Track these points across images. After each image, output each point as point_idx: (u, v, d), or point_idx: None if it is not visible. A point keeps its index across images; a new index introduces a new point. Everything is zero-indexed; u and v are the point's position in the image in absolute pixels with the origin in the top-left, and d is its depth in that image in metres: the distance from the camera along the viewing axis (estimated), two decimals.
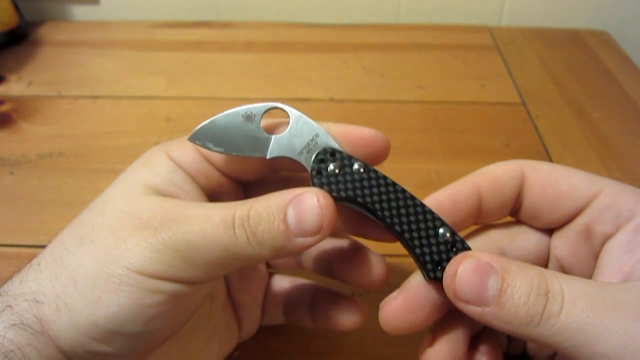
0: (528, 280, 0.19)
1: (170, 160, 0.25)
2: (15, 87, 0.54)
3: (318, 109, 0.52)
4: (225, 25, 0.66)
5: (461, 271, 0.20)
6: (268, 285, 0.31)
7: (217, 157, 0.25)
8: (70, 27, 0.65)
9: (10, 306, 0.20)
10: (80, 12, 0.68)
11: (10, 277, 0.22)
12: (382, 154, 0.24)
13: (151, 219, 0.21)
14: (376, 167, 0.23)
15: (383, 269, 0.26)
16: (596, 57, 0.60)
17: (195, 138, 0.23)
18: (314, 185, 0.22)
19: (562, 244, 0.25)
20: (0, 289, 0.21)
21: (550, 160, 0.46)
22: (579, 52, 0.61)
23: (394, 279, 0.26)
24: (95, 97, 0.53)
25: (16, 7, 0.61)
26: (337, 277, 0.28)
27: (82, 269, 0.21)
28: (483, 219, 0.25)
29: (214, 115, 0.23)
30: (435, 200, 0.24)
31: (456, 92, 0.54)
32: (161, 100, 0.53)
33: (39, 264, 0.22)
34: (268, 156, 0.23)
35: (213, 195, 0.26)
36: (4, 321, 0.20)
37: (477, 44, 0.63)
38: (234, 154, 0.23)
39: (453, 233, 0.22)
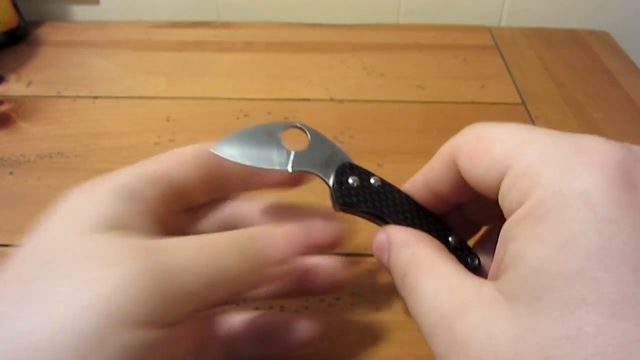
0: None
1: (115, 190, 0.23)
2: (14, 87, 0.54)
3: (318, 109, 0.52)
4: (225, 25, 0.66)
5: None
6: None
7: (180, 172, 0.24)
8: (70, 27, 0.65)
9: None
10: (80, 12, 0.68)
11: None
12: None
13: (118, 256, 0.19)
14: (379, 171, 0.25)
15: (337, 272, 0.26)
16: (596, 57, 0.60)
17: (218, 150, 0.24)
18: (335, 197, 0.24)
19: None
20: None
21: None
22: (579, 52, 0.61)
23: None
24: (95, 97, 0.53)
25: (16, 7, 0.61)
26: (295, 294, 0.28)
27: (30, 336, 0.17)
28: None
29: (236, 128, 0.24)
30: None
31: (456, 92, 0.54)
32: (161, 100, 0.53)
33: None
34: (290, 170, 0.24)
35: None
36: None
37: (477, 44, 0.63)
38: (257, 166, 0.24)
39: (460, 240, 0.25)
